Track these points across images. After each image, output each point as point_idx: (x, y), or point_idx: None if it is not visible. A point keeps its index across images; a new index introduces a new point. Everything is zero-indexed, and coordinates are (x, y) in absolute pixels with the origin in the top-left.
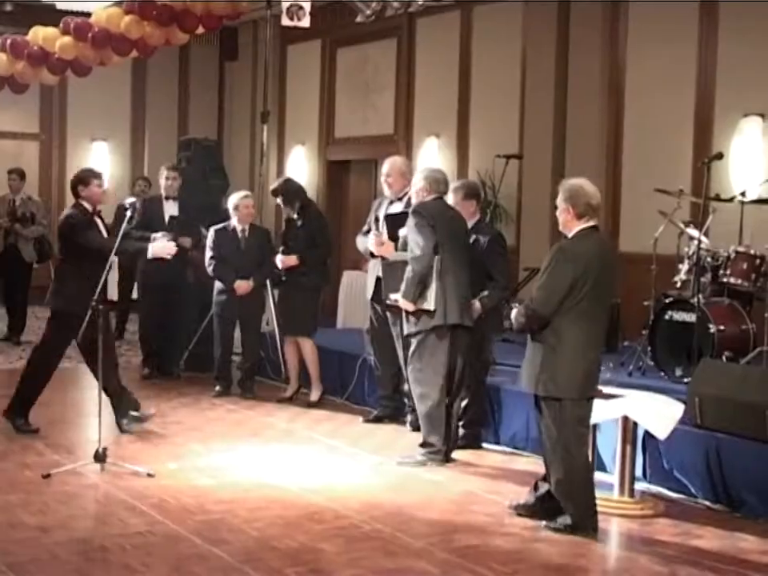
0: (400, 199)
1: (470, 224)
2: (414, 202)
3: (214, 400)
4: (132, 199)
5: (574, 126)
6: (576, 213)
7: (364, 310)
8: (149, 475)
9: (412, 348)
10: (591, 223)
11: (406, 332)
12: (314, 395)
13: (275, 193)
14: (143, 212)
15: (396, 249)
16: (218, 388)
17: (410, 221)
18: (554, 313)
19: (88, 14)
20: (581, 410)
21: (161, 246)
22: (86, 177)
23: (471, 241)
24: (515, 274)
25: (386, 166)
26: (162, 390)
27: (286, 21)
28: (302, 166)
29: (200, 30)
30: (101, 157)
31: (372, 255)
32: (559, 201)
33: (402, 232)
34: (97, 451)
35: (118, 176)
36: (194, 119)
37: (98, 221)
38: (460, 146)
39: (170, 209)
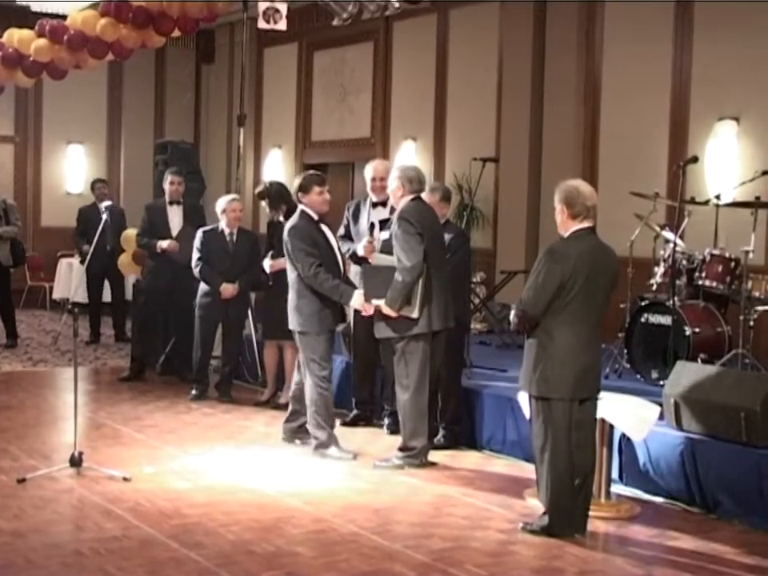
0: (383, 204)
1: None
2: (391, 202)
3: (190, 403)
4: (108, 202)
5: (550, 129)
6: (571, 213)
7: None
8: (125, 479)
9: (396, 355)
10: (586, 224)
11: (382, 335)
12: (285, 398)
13: (261, 196)
14: (147, 219)
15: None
16: (194, 391)
17: (397, 228)
18: (545, 313)
19: (64, 17)
20: (571, 412)
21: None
22: (307, 185)
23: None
24: (492, 276)
25: (378, 170)
26: (139, 392)
27: (262, 24)
28: (278, 169)
29: (176, 32)
30: (76, 160)
31: (354, 260)
32: (555, 202)
33: (383, 235)
34: (72, 455)
35: (94, 178)
36: (171, 122)
37: (325, 228)
38: (437, 149)
39: (175, 214)
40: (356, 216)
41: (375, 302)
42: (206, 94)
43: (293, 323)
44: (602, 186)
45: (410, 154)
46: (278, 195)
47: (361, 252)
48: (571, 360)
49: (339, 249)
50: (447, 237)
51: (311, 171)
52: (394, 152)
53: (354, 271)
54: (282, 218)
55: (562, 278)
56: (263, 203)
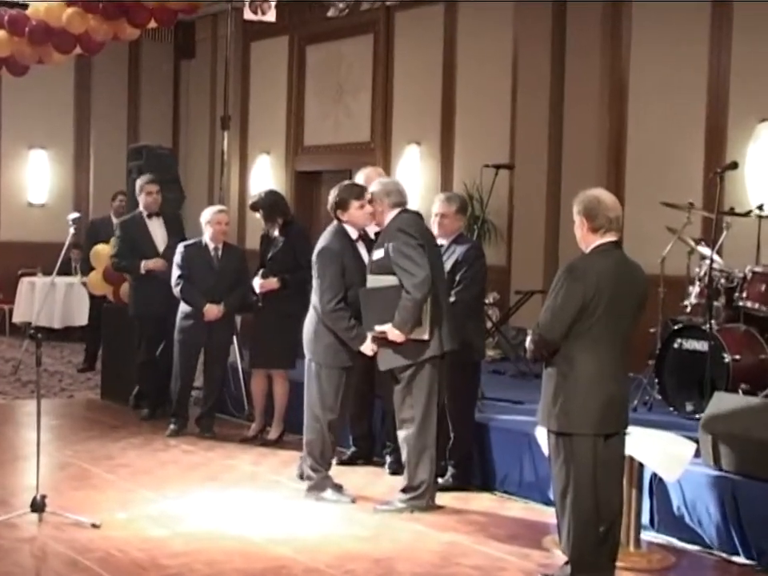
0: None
1: (450, 238)
2: (377, 222)
3: (168, 440)
4: (76, 214)
5: (571, 134)
6: (592, 226)
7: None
8: (93, 526)
9: (401, 384)
10: (610, 238)
11: (390, 365)
12: (274, 433)
13: (255, 207)
14: (123, 237)
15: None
16: (172, 426)
17: (395, 242)
18: (565, 338)
19: (25, 6)
20: (595, 449)
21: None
22: (344, 200)
23: (448, 254)
24: (506, 297)
25: (371, 179)
26: (109, 428)
27: (249, 15)
28: (266, 177)
29: (152, 24)
30: (40, 166)
31: None
32: (574, 214)
33: (375, 255)
34: (34, 499)
35: (60, 188)
36: (146, 124)
37: (361, 249)
38: (444, 154)
39: (157, 227)
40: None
41: (379, 327)
42: (186, 94)
43: (308, 350)
44: (629, 195)
45: (413, 160)
46: (273, 207)
47: None
48: (595, 390)
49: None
50: (460, 250)
51: (347, 182)
52: (396, 158)
53: None
54: (277, 233)
55: (584, 299)
56: (257, 215)
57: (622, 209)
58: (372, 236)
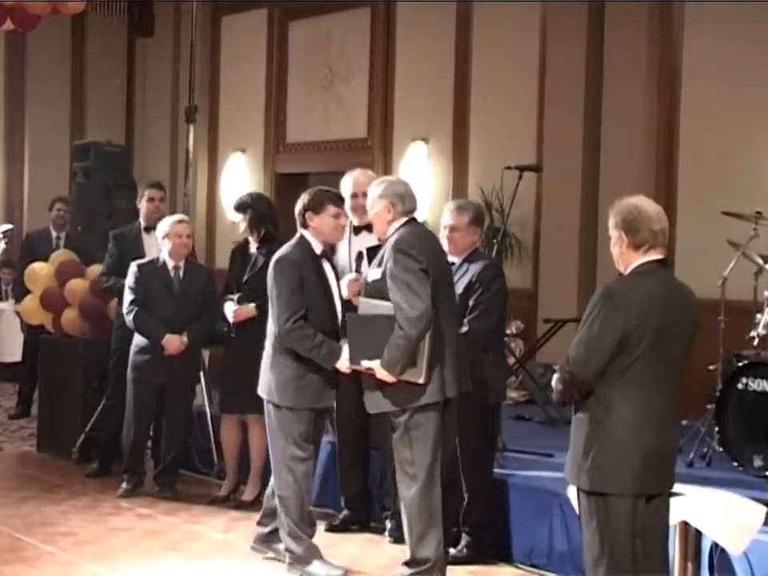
0: (369, 227)
1: (463, 255)
2: (378, 230)
3: (120, 501)
4: (8, 226)
5: (611, 130)
6: (632, 242)
7: None
8: None
9: (397, 433)
10: (655, 256)
11: (377, 409)
12: (249, 493)
13: (243, 207)
14: (116, 251)
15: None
16: (125, 485)
17: (393, 264)
18: (600, 377)
19: None
20: (635, 513)
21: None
22: (318, 202)
23: (460, 274)
24: (532, 327)
25: (360, 183)
26: (47, 488)
27: None
28: (241, 180)
29: None
30: None
31: None
32: (610, 227)
33: (372, 274)
34: None
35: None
36: (94, 117)
37: (327, 267)
38: (457, 154)
39: (153, 244)
40: (332, 246)
41: (366, 363)
42: (143, 79)
43: (262, 388)
44: (682, 203)
45: (419, 161)
46: (265, 214)
47: (344, 293)
48: (636, 441)
49: (341, 297)
50: (474, 269)
51: (322, 187)
52: (398, 158)
53: None
54: (254, 249)
55: (625, 330)
56: (239, 218)
57: (670, 220)
58: (365, 250)
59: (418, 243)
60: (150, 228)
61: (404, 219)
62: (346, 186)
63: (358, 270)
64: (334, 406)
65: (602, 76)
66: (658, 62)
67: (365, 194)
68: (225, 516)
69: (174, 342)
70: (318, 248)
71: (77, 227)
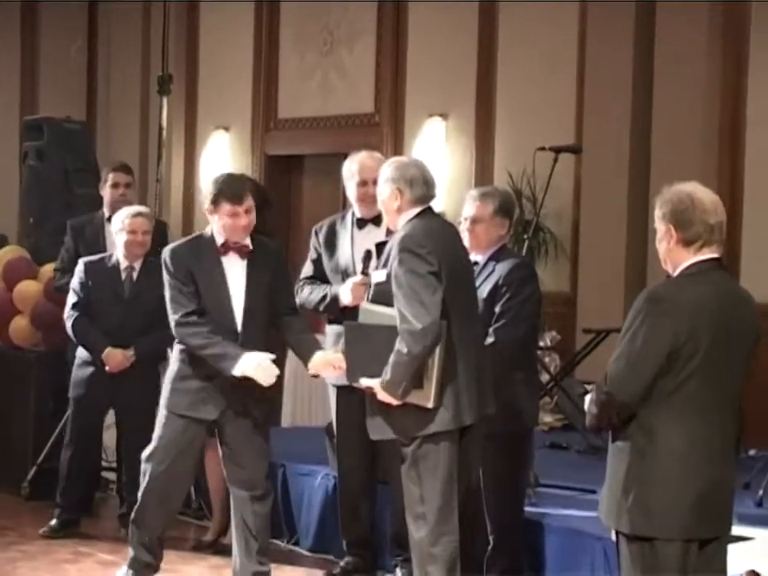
0: (376, 220)
1: (488, 253)
2: (388, 221)
3: (79, 546)
4: None
5: (665, 105)
6: (683, 238)
7: (322, 399)
8: None
9: (405, 465)
10: (709, 255)
11: (380, 435)
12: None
13: None
14: (72, 242)
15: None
16: (54, 522)
17: (398, 265)
18: (643, 399)
19: None
20: (686, 560)
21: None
22: (216, 197)
23: (484, 276)
24: (570, 338)
25: (366, 168)
26: None
27: None
28: (224, 163)
29: None
30: None
31: (331, 314)
32: (657, 219)
33: (376, 276)
34: None
35: None
36: (48, 89)
37: (231, 264)
38: (480, 132)
39: None
40: (331, 244)
41: (365, 381)
42: (107, 44)
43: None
44: (749, 194)
45: (436, 141)
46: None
47: (347, 299)
48: (686, 475)
49: (249, 300)
50: (501, 270)
51: (228, 174)
52: (411, 137)
53: (332, 334)
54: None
55: (674, 343)
56: None
57: (735, 214)
58: (374, 248)
59: (430, 240)
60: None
61: (416, 210)
62: (350, 170)
63: (365, 272)
64: (335, 428)
65: (653, 40)
66: (721, 25)
67: (373, 181)
68: (204, 564)
69: (115, 357)
70: (219, 240)
71: (28, 219)
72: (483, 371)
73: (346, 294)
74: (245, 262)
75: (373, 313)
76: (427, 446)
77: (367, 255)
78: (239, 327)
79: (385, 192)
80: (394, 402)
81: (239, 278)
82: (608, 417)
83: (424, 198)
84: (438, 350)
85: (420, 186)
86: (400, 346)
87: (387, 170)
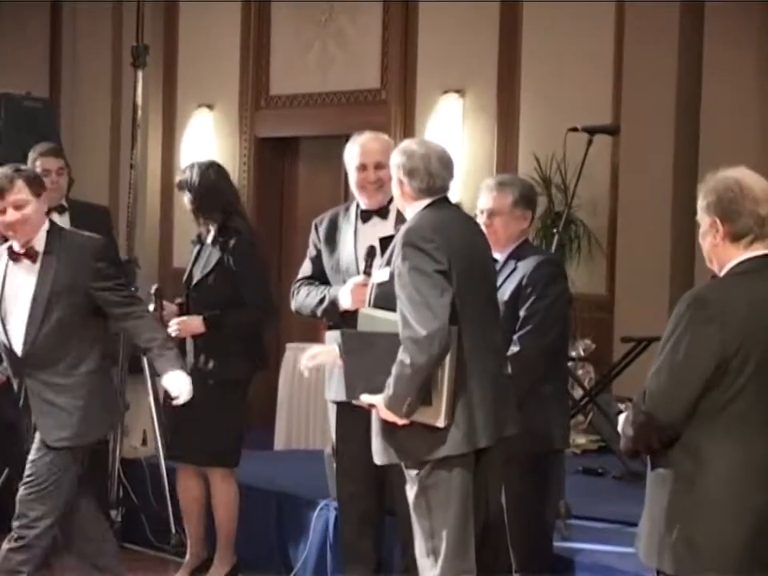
0: (381, 212)
1: (508, 250)
2: (401, 210)
3: None
4: None
5: (716, 81)
6: (730, 231)
7: (321, 418)
8: None
9: (413, 493)
10: (761, 251)
11: (386, 459)
12: (218, 570)
13: (181, 186)
14: None
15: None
16: None
17: (400, 261)
18: (688, 417)
19: None
20: None
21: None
22: None
23: (504, 275)
24: (606, 348)
25: (370, 151)
26: None
27: None
28: (209, 145)
29: None
30: None
31: (331, 319)
32: (700, 210)
33: (378, 275)
34: None
35: None
36: (7, 60)
37: (26, 268)
38: (503, 110)
39: None
40: (331, 239)
41: (366, 398)
42: (73, 11)
43: None
44: None
45: (452, 120)
46: (211, 192)
47: (347, 302)
48: (739, 505)
49: (33, 315)
50: (524, 268)
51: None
52: (422, 115)
53: (332, 341)
54: (210, 239)
55: (723, 353)
56: (186, 200)
57: None
58: (378, 243)
59: (438, 234)
60: (51, 209)
61: (425, 200)
62: (351, 154)
63: (367, 272)
64: (336, 453)
65: (702, 4)
66: None
67: (377, 166)
68: None
69: None
70: (18, 245)
71: None
72: (504, 385)
73: (345, 296)
74: (36, 267)
75: (374, 319)
76: (438, 471)
77: (370, 252)
78: (21, 353)
79: (393, 180)
80: (399, 421)
81: (24, 290)
82: (647, 439)
83: (430, 190)
84: (447, 361)
85: (422, 176)
86: (402, 356)
87: (393, 155)
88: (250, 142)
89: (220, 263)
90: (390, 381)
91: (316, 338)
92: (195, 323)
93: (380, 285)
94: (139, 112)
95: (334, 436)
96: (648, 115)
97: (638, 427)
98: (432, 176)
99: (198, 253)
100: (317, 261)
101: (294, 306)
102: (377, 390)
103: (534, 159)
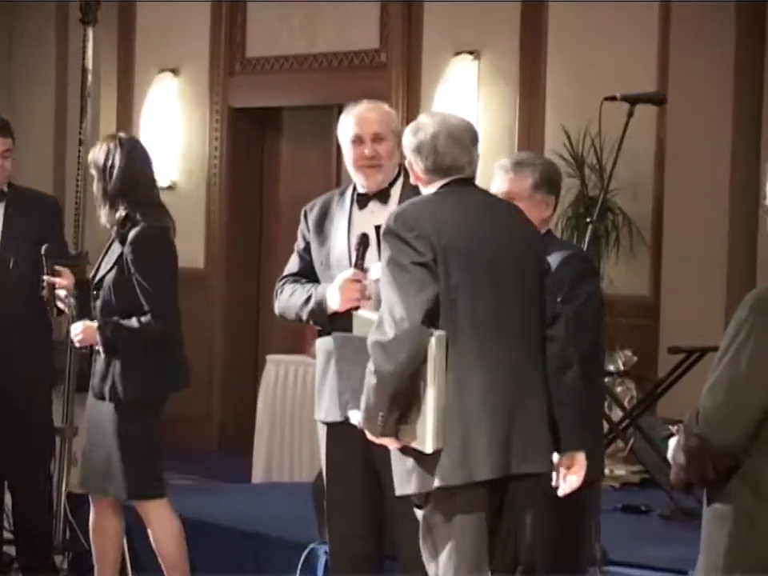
0: (382, 195)
1: None
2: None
3: None
4: None
5: None
6: None
7: (308, 444)
8: None
9: (420, 534)
10: None
11: (397, 491)
12: None
13: (98, 166)
14: None
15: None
16: None
17: (383, 249)
18: (748, 443)
19: None
20: None
21: None
22: None
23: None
24: (651, 359)
25: (366, 122)
26: None
27: None
28: (173, 117)
29: None
30: None
31: (321, 324)
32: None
33: (374, 270)
34: None
35: None
36: None
37: None
38: (526, 75)
39: None
40: (321, 228)
41: (353, 415)
42: None
43: None
44: None
45: (465, 87)
46: (127, 177)
47: (335, 302)
48: None
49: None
50: (549, 263)
51: None
52: (430, 81)
53: (323, 352)
54: (113, 228)
55: None
56: (95, 187)
57: None
58: (373, 230)
59: (422, 221)
60: None
61: (440, 182)
62: (346, 127)
63: (359, 264)
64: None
65: None
66: None
67: (375, 138)
68: None
69: None
70: None
71: None
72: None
73: (333, 295)
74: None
75: (370, 321)
76: (440, 506)
77: (362, 241)
78: None
79: (407, 155)
80: (382, 441)
81: None
82: (701, 469)
83: (438, 170)
84: (431, 371)
85: (427, 153)
86: (370, 363)
87: (411, 133)
88: (223, 113)
89: (119, 261)
90: (362, 399)
91: (301, 347)
92: (89, 332)
93: (377, 281)
94: (89, 77)
95: (324, 465)
96: (701, 81)
97: (689, 454)
98: (438, 153)
99: (110, 245)
100: (306, 255)
101: (277, 308)
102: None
103: (564, 134)
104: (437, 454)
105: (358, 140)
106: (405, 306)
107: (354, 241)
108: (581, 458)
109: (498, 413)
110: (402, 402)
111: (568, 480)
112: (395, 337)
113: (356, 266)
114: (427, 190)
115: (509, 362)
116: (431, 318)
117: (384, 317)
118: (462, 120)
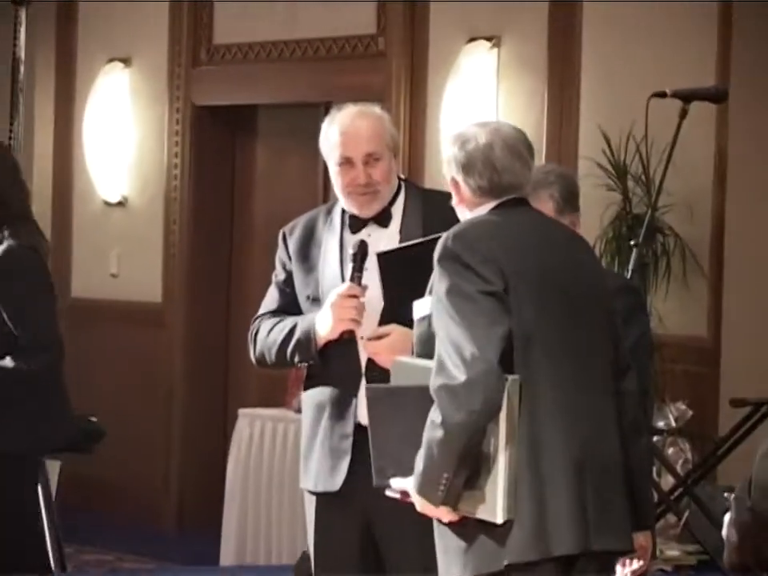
0: (380, 219)
1: None
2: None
3: None
4: None
5: None
6: None
7: (289, 519)
8: None
9: None
10: None
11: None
12: None
13: None
14: None
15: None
16: None
17: (436, 281)
18: None
19: None
20: None
21: None
22: None
23: None
24: (710, 412)
25: (354, 129)
26: None
27: None
28: (123, 116)
29: None
30: None
31: (306, 378)
32: None
33: (417, 308)
34: None
35: None
36: None
37: None
38: (556, 67)
39: None
40: (307, 256)
41: (395, 483)
42: None
43: None
44: None
45: (482, 80)
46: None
47: (325, 327)
48: None
49: None
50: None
51: None
52: (438, 75)
53: (311, 408)
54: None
55: None
56: None
57: None
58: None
59: (490, 242)
60: None
61: (492, 203)
62: (330, 143)
63: (356, 277)
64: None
65: None
66: None
67: (368, 160)
68: None
69: None
70: None
71: None
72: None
73: (324, 317)
74: None
75: (412, 368)
76: None
77: (360, 249)
78: None
79: (448, 181)
80: (440, 514)
81: None
82: (756, 548)
83: (494, 190)
84: (503, 424)
85: (481, 170)
86: (434, 414)
87: (446, 145)
88: (185, 111)
89: None
90: (420, 452)
91: (281, 400)
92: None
93: (420, 320)
94: (22, 68)
95: (311, 544)
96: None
97: (742, 531)
98: (496, 170)
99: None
100: (286, 288)
101: (254, 353)
102: (407, 469)
103: (602, 137)
104: (507, 525)
105: (346, 162)
106: (476, 343)
107: (350, 271)
108: (650, 540)
109: (577, 474)
110: (472, 460)
111: (635, 564)
112: (467, 380)
113: (352, 279)
114: (470, 214)
115: (586, 414)
116: (503, 359)
117: (447, 357)
118: (514, 128)
